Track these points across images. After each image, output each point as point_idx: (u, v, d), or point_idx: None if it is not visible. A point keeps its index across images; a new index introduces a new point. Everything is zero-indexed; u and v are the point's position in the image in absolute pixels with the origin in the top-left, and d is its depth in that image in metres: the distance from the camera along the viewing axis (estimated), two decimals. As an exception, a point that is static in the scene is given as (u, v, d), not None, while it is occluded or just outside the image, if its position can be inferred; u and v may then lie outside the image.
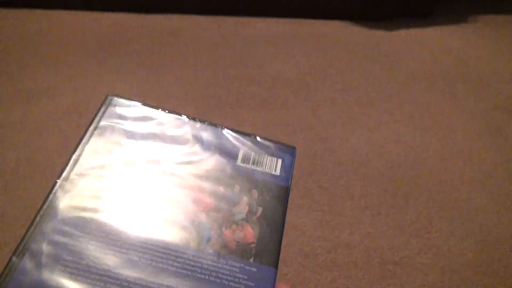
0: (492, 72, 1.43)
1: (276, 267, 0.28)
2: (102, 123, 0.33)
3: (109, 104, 0.34)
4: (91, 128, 0.33)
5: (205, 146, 0.33)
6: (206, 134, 0.34)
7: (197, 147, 0.33)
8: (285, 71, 1.39)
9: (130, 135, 0.33)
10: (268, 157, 0.34)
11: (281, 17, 1.67)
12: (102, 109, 0.34)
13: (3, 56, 1.41)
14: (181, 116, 0.35)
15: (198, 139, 0.34)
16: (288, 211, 0.98)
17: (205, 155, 0.33)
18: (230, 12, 1.66)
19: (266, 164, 0.33)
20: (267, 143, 0.35)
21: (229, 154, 0.33)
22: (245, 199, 0.31)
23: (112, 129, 0.33)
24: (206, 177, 0.32)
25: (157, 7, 1.65)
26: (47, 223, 0.27)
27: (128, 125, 0.33)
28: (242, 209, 0.31)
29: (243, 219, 0.30)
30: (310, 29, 1.60)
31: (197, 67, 1.40)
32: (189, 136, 0.34)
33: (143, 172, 0.31)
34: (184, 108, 1.24)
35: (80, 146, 0.31)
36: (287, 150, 0.35)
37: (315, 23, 1.64)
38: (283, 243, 0.92)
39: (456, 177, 1.08)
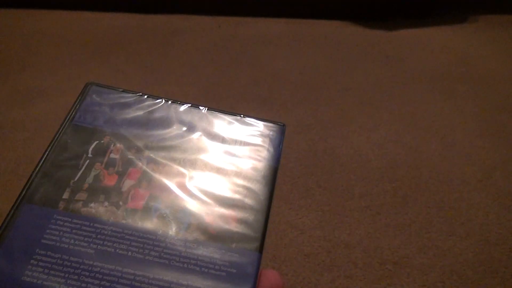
0: (492, 72, 1.43)
1: (260, 251, 0.27)
2: (81, 111, 0.32)
3: (88, 92, 0.33)
4: (69, 117, 0.32)
5: (190, 128, 0.32)
6: (190, 116, 0.33)
7: (181, 130, 0.32)
8: (285, 71, 1.39)
9: (110, 122, 0.32)
10: (256, 136, 0.33)
11: (281, 17, 1.67)
12: (80, 98, 0.33)
13: (3, 56, 1.41)
14: (162, 100, 0.34)
15: (181, 122, 0.32)
16: (288, 211, 0.98)
17: (189, 137, 0.32)
18: (230, 12, 1.66)
19: (253, 144, 0.32)
20: (254, 121, 0.34)
21: (214, 135, 0.32)
22: (229, 181, 0.30)
23: (91, 117, 0.32)
24: (189, 160, 0.31)
25: (157, 7, 1.65)
26: (20, 217, 0.26)
27: (107, 112, 0.32)
28: (225, 192, 0.30)
29: (225, 202, 0.29)
30: (310, 29, 1.60)
31: (197, 67, 1.40)
32: (173, 120, 0.32)
33: (122, 159, 0.30)
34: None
35: (57, 136, 0.30)
36: (275, 129, 0.33)
37: (315, 23, 1.64)
38: (283, 242, 0.92)
39: (456, 177, 1.08)
